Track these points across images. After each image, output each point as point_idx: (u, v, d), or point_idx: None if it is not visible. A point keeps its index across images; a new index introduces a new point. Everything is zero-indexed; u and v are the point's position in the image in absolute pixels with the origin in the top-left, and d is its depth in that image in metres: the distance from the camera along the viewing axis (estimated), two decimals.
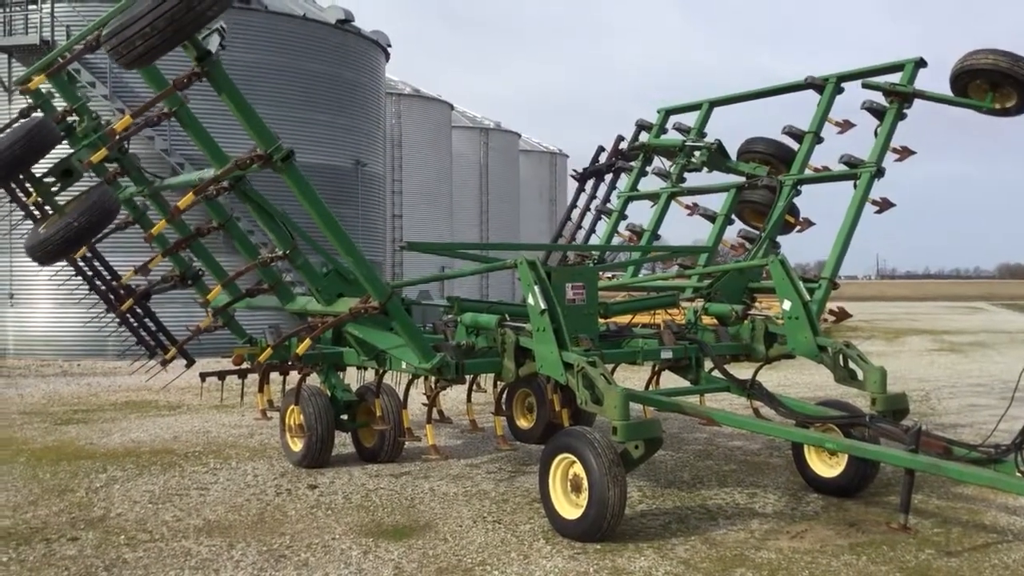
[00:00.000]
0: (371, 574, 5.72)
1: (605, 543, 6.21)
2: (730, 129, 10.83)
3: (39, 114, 8.53)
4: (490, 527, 6.73)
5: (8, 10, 21.87)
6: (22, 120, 8.24)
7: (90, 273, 9.37)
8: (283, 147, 6.60)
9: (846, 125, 9.64)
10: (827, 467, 7.64)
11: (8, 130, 8.11)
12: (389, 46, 28.24)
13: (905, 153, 9.13)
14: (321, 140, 24.46)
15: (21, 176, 8.23)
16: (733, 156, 10.37)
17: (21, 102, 8.37)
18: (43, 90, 8.52)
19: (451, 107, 41.00)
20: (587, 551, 6.09)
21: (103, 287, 9.46)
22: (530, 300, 7.05)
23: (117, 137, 6.94)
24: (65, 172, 8.31)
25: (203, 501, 7.58)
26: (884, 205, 9.11)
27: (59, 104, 8.80)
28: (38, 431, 11.18)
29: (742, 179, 10.26)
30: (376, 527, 6.77)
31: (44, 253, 7.81)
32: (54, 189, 8.36)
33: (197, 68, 6.35)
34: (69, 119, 8.61)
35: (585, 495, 6.20)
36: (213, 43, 6.61)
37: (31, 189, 8.36)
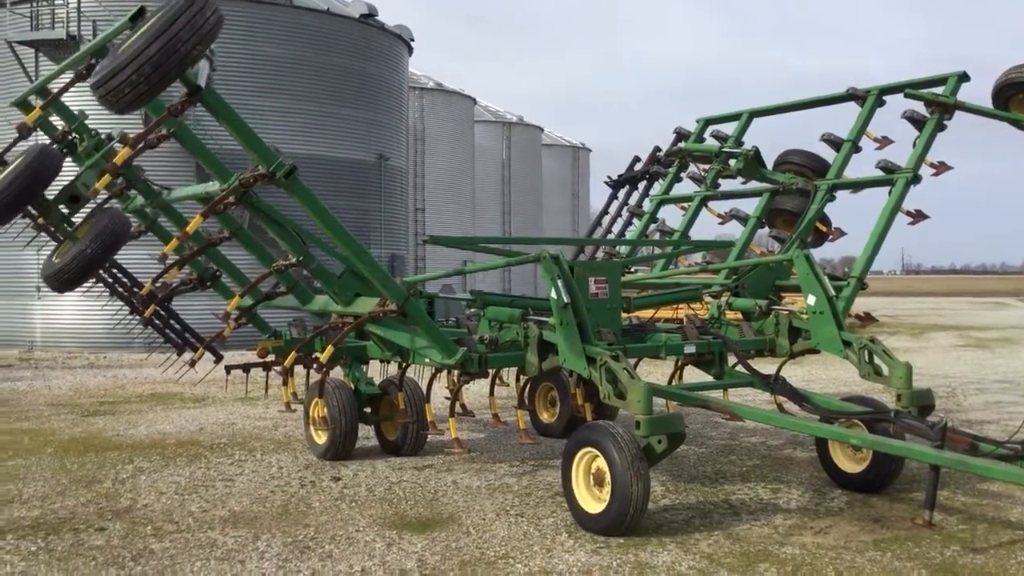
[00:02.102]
0: (395, 566, 5.75)
1: (628, 537, 6.21)
2: (761, 127, 10.83)
3: (41, 136, 8.46)
4: (513, 520, 6.74)
5: (35, 5, 22.07)
6: (23, 147, 8.16)
7: (111, 280, 9.43)
8: (285, 163, 6.61)
9: (884, 141, 9.60)
10: (852, 463, 7.59)
11: (10, 163, 8.02)
12: (412, 40, 28.29)
13: (942, 168, 9.10)
14: (345, 134, 24.57)
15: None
16: (769, 163, 10.34)
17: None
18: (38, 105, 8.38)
19: (474, 101, 41.02)
20: (610, 545, 6.10)
21: (125, 292, 9.52)
22: (553, 294, 7.05)
23: (118, 168, 6.93)
24: (72, 198, 8.31)
25: (228, 492, 7.64)
26: (918, 217, 9.08)
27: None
28: (65, 422, 11.31)
29: (776, 185, 10.23)
30: (399, 520, 6.80)
31: (61, 283, 7.83)
32: (64, 211, 8.36)
33: (189, 99, 6.36)
34: (69, 136, 8.59)
35: (608, 489, 6.20)
36: (203, 74, 6.54)
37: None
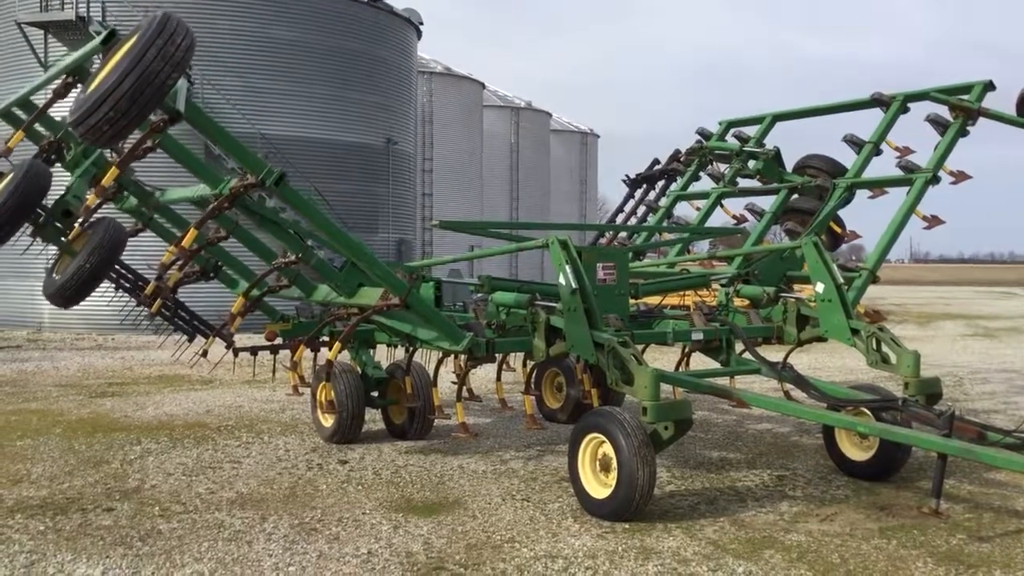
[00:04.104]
0: (401, 549, 5.77)
1: (634, 523, 6.23)
2: (781, 130, 10.86)
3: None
4: (519, 505, 6.76)
5: None
6: (11, 166, 8.12)
7: (115, 276, 9.43)
8: (274, 170, 6.60)
9: (905, 151, 9.59)
10: (858, 451, 7.60)
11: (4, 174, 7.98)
12: (421, 24, 28.21)
13: (961, 177, 9.09)
14: (353, 118, 24.54)
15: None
16: (788, 167, 10.33)
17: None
18: (22, 116, 8.28)
19: (482, 86, 40.92)
20: (615, 530, 6.11)
21: (129, 286, 9.51)
22: (561, 280, 7.04)
23: (105, 188, 6.92)
24: (65, 212, 8.29)
25: (236, 474, 7.67)
26: (934, 222, 9.09)
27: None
28: (73, 403, 11.36)
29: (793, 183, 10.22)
30: (406, 503, 6.82)
31: (63, 299, 7.83)
32: (58, 225, 8.35)
33: (170, 122, 6.35)
34: (57, 145, 8.52)
35: (614, 475, 6.22)
36: (181, 97, 6.51)
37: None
